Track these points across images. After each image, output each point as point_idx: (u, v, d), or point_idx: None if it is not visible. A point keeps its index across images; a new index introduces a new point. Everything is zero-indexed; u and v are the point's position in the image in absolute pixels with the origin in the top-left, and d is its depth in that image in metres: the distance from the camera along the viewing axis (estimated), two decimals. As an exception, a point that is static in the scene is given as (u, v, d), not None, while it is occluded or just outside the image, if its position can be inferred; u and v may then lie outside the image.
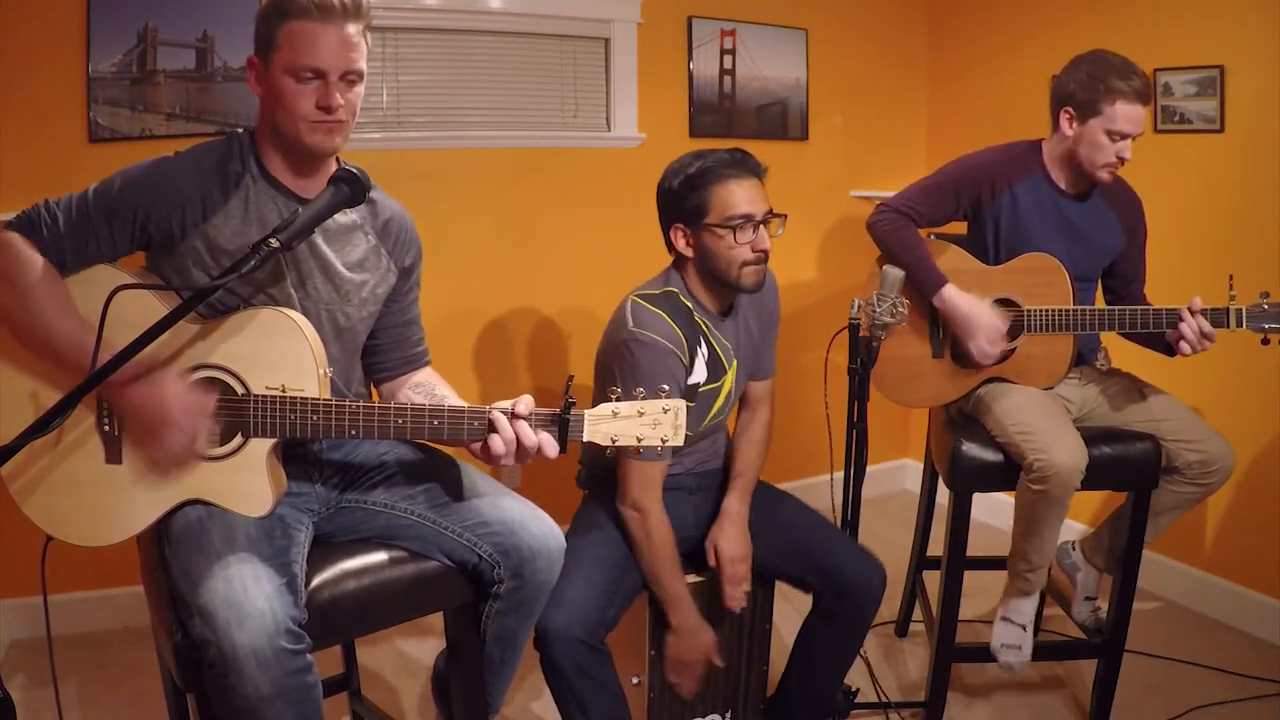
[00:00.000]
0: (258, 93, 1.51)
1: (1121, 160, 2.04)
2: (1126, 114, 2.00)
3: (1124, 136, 2.02)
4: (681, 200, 1.86)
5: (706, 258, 1.87)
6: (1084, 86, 2.05)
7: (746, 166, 1.86)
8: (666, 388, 1.45)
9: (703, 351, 1.91)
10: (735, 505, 1.95)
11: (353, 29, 1.47)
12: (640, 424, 1.42)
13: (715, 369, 1.93)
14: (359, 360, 1.72)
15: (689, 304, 1.91)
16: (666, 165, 1.91)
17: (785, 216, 1.88)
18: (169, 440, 1.38)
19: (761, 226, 1.84)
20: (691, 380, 1.89)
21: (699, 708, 2.01)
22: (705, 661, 1.90)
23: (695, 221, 1.85)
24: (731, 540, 1.91)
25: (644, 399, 1.43)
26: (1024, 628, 2.11)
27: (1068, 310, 2.05)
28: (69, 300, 1.43)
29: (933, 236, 2.28)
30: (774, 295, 2.08)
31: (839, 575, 1.90)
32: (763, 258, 1.86)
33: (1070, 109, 2.08)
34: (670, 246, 1.92)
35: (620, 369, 1.83)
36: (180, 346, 1.45)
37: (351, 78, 1.49)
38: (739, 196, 1.82)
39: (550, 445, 1.44)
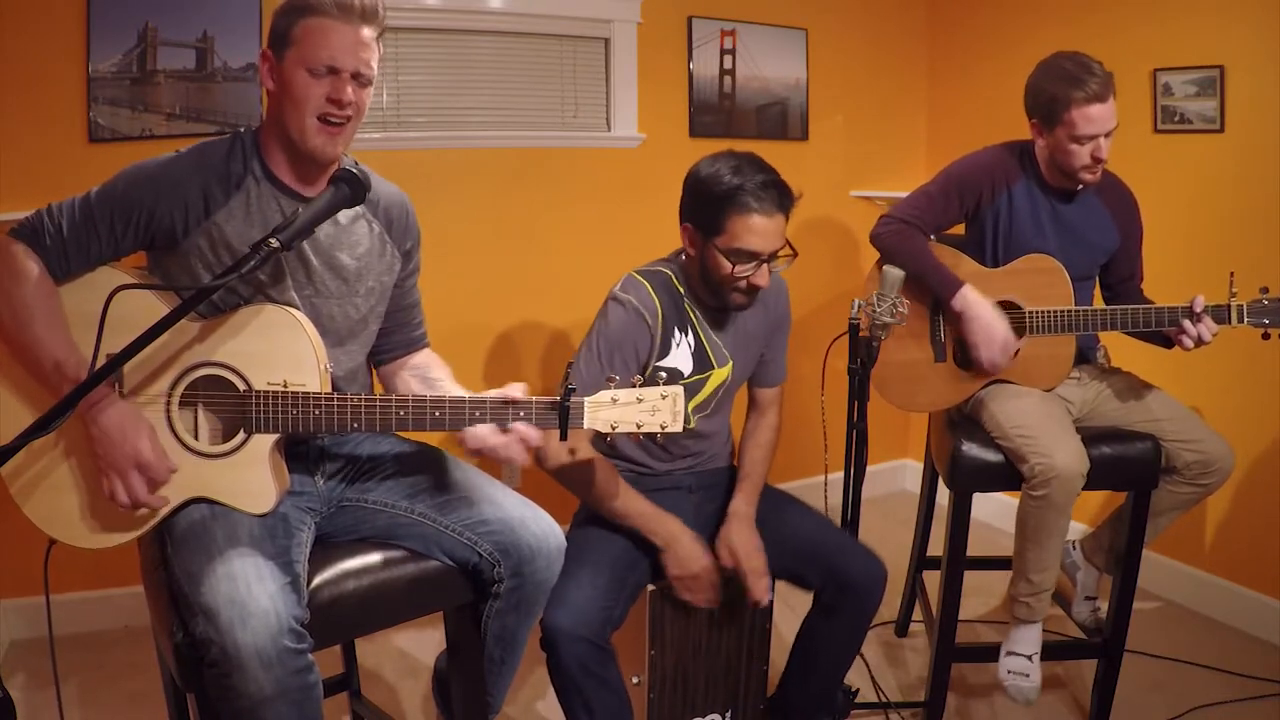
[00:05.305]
0: (269, 87, 1.50)
1: (1097, 159, 2.02)
2: (1086, 117, 1.97)
3: (1092, 138, 2.00)
4: (701, 208, 1.81)
5: (704, 267, 1.85)
6: (1041, 99, 2.04)
7: (777, 201, 1.77)
8: (664, 374, 1.46)
9: (688, 340, 1.91)
10: (742, 506, 1.95)
11: (368, 32, 1.47)
12: (639, 410, 1.43)
13: (701, 362, 1.93)
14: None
15: (680, 289, 1.91)
16: (703, 157, 1.83)
17: (795, 255, 1.84)
18: (123, 486, 1.40)
19: (765, 263, 1.80)
20: (668, 363, 1.89)
21: (699, 707, 2.01)
22: (712, 569, 1.86)
23: (705, 234, 1.82)
24: (743, 536, 1.90)
25: (642, 385, 1.44)
26: (1030, 658, 2.08)
27: (1071, 311, 2.05)
28: (60, 315, 1.43)
29: (932, 239, 2.28)
30: (784, 299, 2.07)
31: (840, 570, 1.90)
32: (754, 290, 1.83)
33: (1035, 120, 2.08)
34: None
35: (594, 325, 1.87)
36: (181, 345, 1.45)
37: (363, 79, 1.49)
38: (755, 233, 1.76)
39: (530, 434, 1.47)
